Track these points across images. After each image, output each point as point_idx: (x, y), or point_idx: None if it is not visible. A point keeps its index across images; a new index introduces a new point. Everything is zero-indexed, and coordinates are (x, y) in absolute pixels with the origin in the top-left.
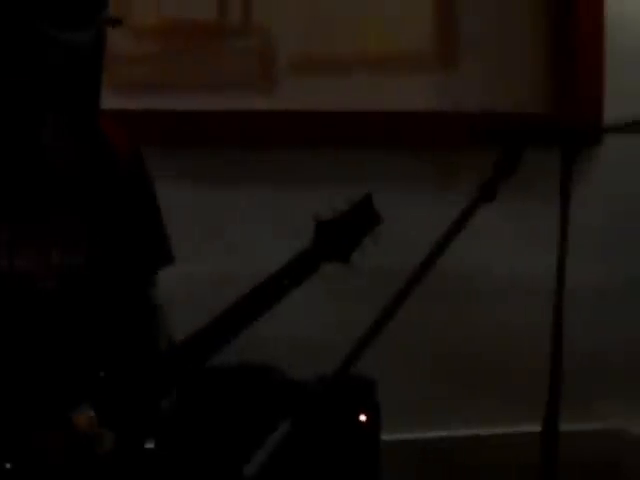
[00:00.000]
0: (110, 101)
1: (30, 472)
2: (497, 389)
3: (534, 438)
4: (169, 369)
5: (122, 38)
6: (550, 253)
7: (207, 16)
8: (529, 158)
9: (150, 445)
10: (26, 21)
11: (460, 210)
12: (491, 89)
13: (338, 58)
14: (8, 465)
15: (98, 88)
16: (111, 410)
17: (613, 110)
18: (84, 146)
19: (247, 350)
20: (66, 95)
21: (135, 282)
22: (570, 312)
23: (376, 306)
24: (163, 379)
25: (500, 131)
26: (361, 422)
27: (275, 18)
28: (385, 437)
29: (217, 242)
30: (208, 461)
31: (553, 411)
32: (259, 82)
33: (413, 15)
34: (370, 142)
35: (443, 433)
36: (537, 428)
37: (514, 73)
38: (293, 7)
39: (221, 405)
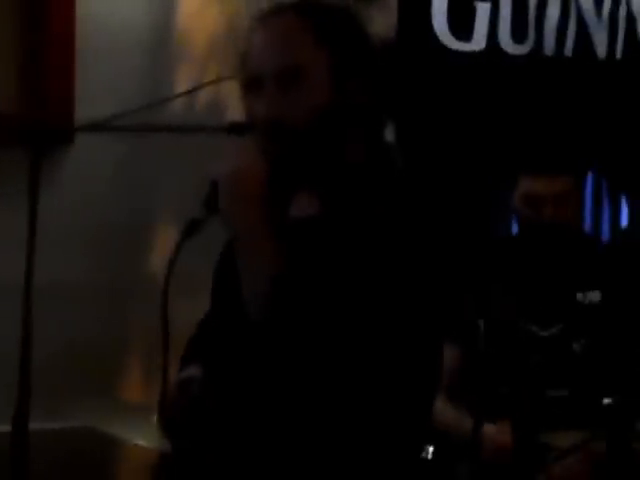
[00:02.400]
0: None
1: None
2: None
3: (4, 438)
4: None
5: None
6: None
7: None
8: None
9: None
10: None
11: None
12: None
13: None
14: None
15: None
16: None
17: (84, 109)
18: None
19: None
20: None
21: None
22: (40, 311)
23: None
24: None
25: None
26: None
27: None
28: None
29: None
30: None
31: (22, 410)
32: None
33: None
34: None
35: None
36: (7, 428)
37: None
38: None
39: None
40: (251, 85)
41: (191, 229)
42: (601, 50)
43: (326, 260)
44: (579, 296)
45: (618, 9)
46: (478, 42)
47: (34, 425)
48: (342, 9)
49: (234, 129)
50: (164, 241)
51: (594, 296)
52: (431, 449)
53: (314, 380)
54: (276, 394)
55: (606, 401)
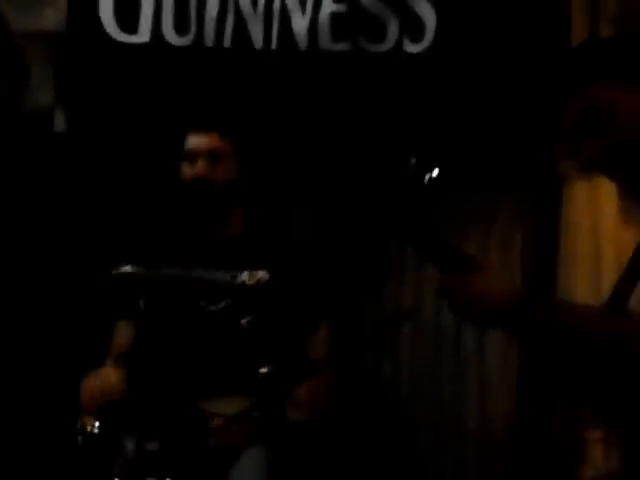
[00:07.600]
0: None
1: None
2: None
3: None
4: None
5: None
6: None
7: None
8: None
9: None
10: None
11: None
12: None
13: None
14: None
15: None
16: None
17: None
18: None
19: None
20: None
21: None
22: None
23: None
24: None
25: None
26: None
27: None
28: None
29: None
30: None
31: None
32: None
33: None
34: None
35: None
36: None
37: None
38: None
39: None
40: None
41: None
42: (257, 41)
43: None
44: (245, 274)
45: (272, 2)
46: (143, 34)
47: None
48: None
49: None
50: None
51: (260, 275)
52: (97, 423)
53: None
54: None
55: (262, 370)
